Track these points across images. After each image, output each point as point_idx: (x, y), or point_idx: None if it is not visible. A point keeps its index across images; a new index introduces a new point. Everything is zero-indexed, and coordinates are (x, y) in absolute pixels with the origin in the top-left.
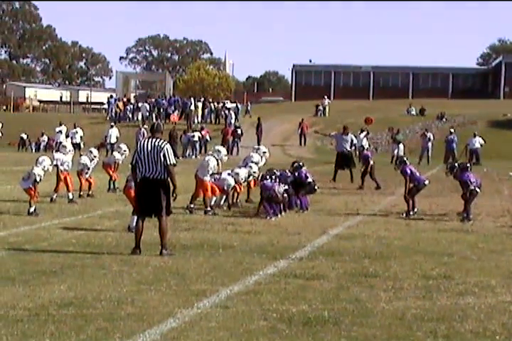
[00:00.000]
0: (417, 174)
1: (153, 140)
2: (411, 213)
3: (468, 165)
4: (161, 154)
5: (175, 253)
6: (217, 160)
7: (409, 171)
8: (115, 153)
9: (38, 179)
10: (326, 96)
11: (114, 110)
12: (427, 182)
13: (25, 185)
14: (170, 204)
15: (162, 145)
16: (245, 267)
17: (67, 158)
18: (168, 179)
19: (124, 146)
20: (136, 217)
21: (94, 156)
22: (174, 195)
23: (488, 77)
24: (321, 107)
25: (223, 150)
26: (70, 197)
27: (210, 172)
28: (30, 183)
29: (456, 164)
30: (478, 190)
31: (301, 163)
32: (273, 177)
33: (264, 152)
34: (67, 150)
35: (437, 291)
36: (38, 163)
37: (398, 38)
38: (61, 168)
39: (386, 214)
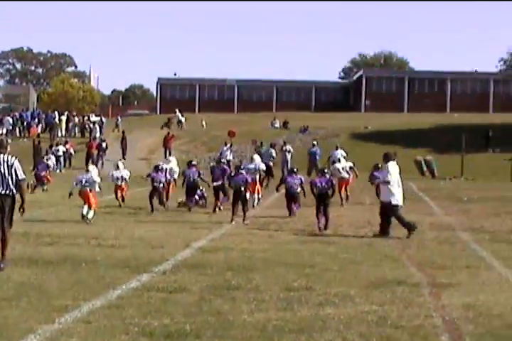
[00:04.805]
0: None
1: (1, 156)
2: None
3: (325, 170)
4: (12, 170)
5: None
6: None
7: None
8: None
9: None
10: (177, 110)
11: None
12: None
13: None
14: (13, 217)
15: (12, 161)
16: (108, 281)
17: None
18: (17, 193)
19: None
20: None
21: None
22: (22, 209)
23: (350, 90)
24: (174, 120)
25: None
26: None
27: None
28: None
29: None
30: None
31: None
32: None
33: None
34: None
35: (298, 302)
36: None
37: (263, 51)
38: None
39: (251, 227)
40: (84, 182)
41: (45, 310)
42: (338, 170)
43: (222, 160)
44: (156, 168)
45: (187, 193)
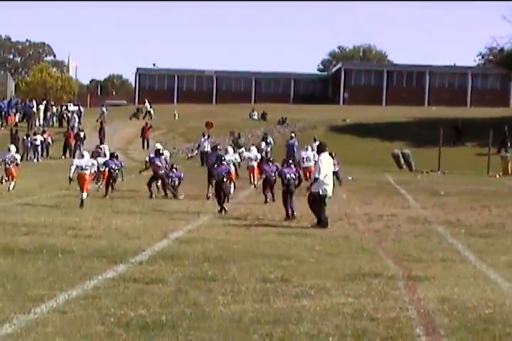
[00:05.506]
0: None
1: None
2: None
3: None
4: None
5: None
6: None
7: None
8: None
9: None
10: (146, 100)
11: None
12: None
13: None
14: None
15: None
16: (84, 271)
17: None
18: None
19: None
20: None
21: None
22: None
23: (329, 82)
24: (143, 110)
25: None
26: None
27: None
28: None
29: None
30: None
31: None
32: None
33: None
34: None
35: (274, 294)
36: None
37: (242, 43)
38: None
39: (228, 218)
40: (84, 166)
41: (20, 300)
42: (303, 159)
43: (219, 147)
44: (111, 156)
45: (152, 179)
